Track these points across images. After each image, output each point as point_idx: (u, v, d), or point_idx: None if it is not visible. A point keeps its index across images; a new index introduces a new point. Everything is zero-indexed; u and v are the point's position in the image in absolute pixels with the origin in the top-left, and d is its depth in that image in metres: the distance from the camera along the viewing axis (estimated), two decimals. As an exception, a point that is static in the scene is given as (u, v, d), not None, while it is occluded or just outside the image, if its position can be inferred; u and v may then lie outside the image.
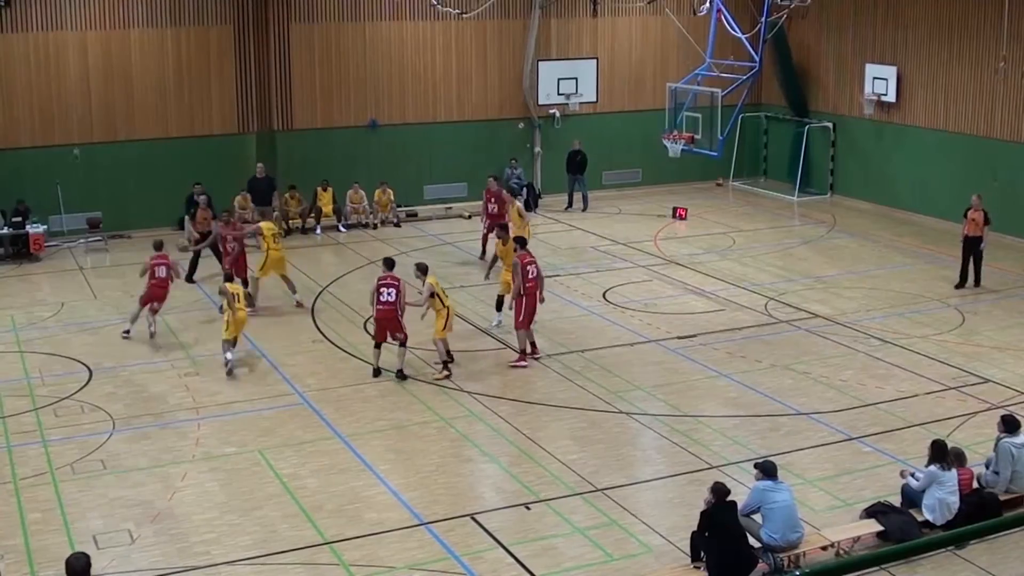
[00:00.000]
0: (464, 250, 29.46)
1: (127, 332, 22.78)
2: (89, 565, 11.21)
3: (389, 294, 20.37)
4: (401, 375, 20.47)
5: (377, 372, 20.66)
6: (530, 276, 21.37)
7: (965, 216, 25.73)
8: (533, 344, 21.67)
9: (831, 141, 35.94)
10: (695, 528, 14.08)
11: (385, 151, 33.65)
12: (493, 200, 28.42)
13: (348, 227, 32.09)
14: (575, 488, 16.42)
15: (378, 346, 20.73)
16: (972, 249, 25.64)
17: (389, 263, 21.15)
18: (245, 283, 24.39)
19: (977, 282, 25.81)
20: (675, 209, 33.20)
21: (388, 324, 20.51)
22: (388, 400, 19.70)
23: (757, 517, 14.40)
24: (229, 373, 20.74)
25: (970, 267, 25.75)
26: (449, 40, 34.21)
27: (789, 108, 37.07)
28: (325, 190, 32.15)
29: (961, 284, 25.77)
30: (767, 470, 14.49)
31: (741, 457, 17.27)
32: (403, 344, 20.55)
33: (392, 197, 32.71)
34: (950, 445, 15.59)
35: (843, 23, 35.17)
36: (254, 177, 30.48)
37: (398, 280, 20.61)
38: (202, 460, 17.37)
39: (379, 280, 20.69)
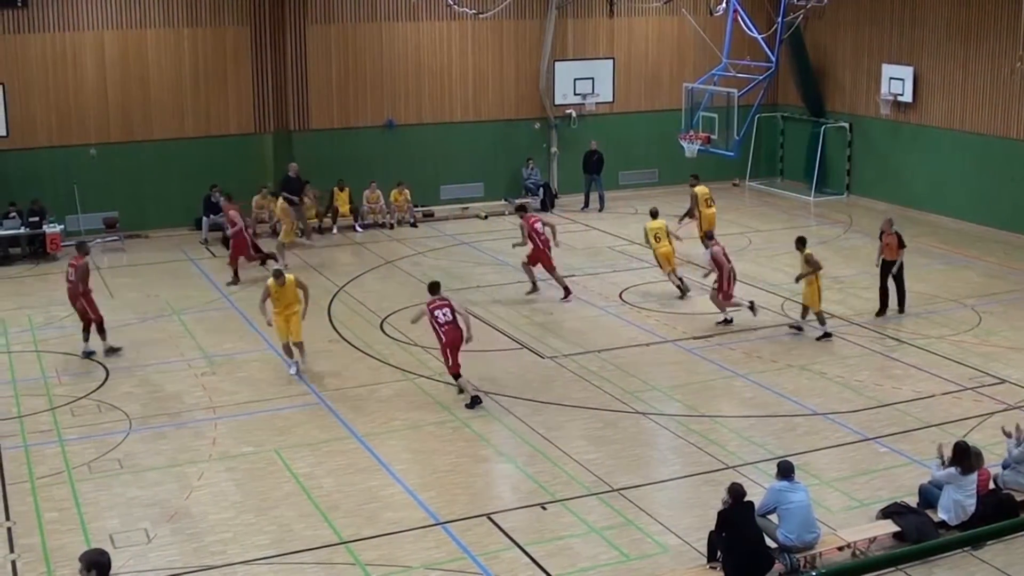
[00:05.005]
0: (480, 250, 29.48)
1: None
2: (109, 565, 11.09)
3: (445, 314, 19.36)
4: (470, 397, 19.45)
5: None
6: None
7: (880, 239, 24.33)
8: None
9: (848, 141, 35.84)
10: (712, 528, 14.08)
11: (401, 151, 33.68)
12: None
13: (365, 227, 32.12)
14: (591, 488, 16.42)
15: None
16: (888, 273, 24.08)
17: (435, 287, 20.01)
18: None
19: (901, 308, 24.02)
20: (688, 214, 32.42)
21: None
22: (404, 400, 19.70)
23: (773, 518, 14.38)
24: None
25: (891, 293, 24.13)
26: (465, 40, 34.23)
27: (806, 108, 36.99)
28: (342, 190, 32.22)
29: (881, 312, 23.91)
30: (784, 470, 14.48)
31: (757, 457, 17.25)
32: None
33: (409, 197, 32.76)
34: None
35: (860, 23, 35.08)
36: (287, 176, 30.57)
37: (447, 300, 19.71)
38: (218, 460, 17.40)
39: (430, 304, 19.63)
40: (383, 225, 32.29)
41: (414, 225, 32.51)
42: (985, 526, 10.49)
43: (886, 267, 24.01)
